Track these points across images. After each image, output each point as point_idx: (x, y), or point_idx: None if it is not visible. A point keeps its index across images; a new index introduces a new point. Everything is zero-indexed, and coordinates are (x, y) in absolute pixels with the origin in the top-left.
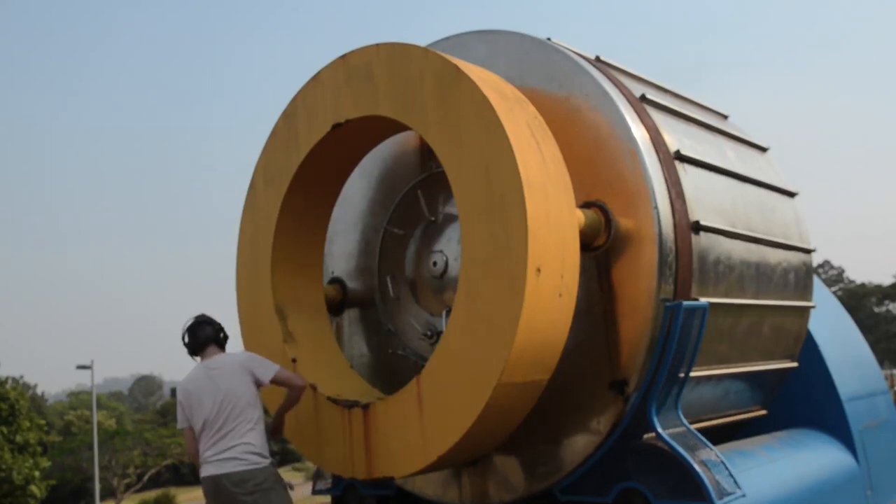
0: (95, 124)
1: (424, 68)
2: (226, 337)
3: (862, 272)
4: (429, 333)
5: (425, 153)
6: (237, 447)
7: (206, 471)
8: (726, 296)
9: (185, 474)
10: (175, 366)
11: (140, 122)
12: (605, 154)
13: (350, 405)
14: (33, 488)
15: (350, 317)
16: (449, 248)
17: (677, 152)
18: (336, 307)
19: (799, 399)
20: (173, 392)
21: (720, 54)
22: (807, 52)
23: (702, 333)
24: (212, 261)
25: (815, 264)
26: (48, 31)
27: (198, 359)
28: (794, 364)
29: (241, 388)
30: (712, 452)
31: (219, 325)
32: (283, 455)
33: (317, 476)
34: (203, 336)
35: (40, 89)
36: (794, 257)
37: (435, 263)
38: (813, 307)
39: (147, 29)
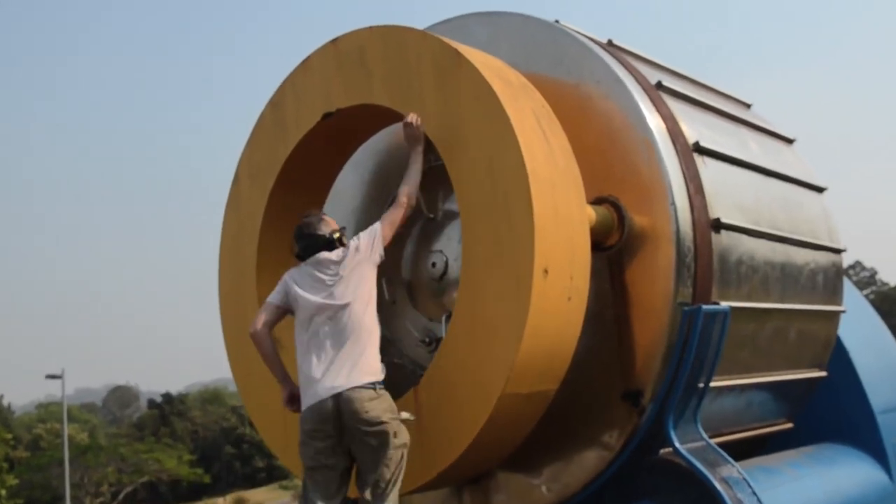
0: (73, 122)
1: (422, 53)
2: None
3: None
4: (427, 340)
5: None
6: None
7: None
8: (749, 299)
9: (163, 493)
10: (152, 375)
11: (120, 120)
12: (618, 146)
13: None
14: None
15: None
16: (449, 248)
17: (696, 144)
18: None
19: (828, 411)
20: (150, 403)
21: (735, 44)
22: (828, 43)
23: (723, 340)
24: (192, 262)
25: (845, 265)
26: (34, 18)
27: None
28: (823, 373)
29: None
30: (734, 469)
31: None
32: (268, 472)
33: None
34: None
35: (18, 84)
36: (823, 258)
37: (434, 264)
38: (843, 311)
39: (133, 17)
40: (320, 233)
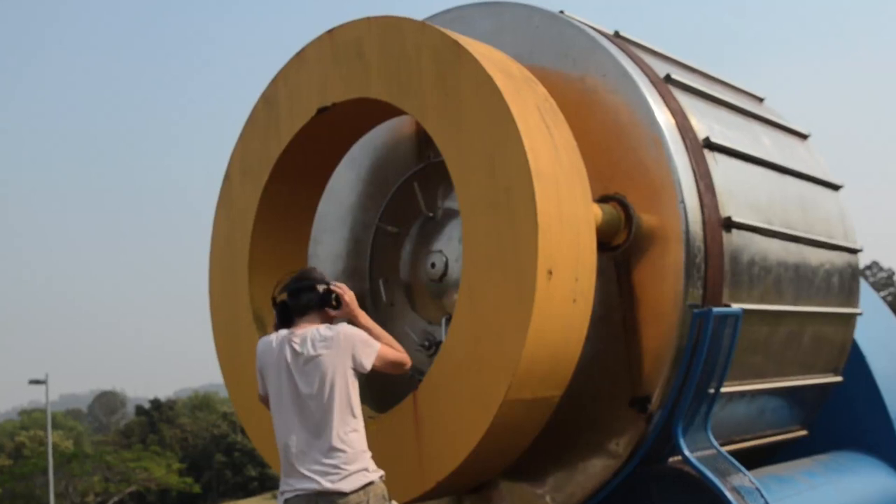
0: (52, 117)
1: (421, 45)
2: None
3: None
4: (426, 344)
5: (422, 141)
6: None
7: None
8: (762, 301)
9: (152, 502)
10: (139, 380)
11: (103, 121)
12: (625, 141)
13: None
14: None
15: None
16: (449, 248)
17: (707, 139)
18: None
19: (843, 418)
20: (138, 410)
21: (745, 36)
22: (844, 35)
23: (734, 344)
24: (182, 263)
25: (862, 266)
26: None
27: None
28: (839, 378)
29: None
30: (746, 478)
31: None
32: (261, 481)
33: None
34: None
35: (7, 82)
36: (839, 258)
37: (433, 265)
38: (859, 314)
39: (117, 3)
40: (317, 285)
